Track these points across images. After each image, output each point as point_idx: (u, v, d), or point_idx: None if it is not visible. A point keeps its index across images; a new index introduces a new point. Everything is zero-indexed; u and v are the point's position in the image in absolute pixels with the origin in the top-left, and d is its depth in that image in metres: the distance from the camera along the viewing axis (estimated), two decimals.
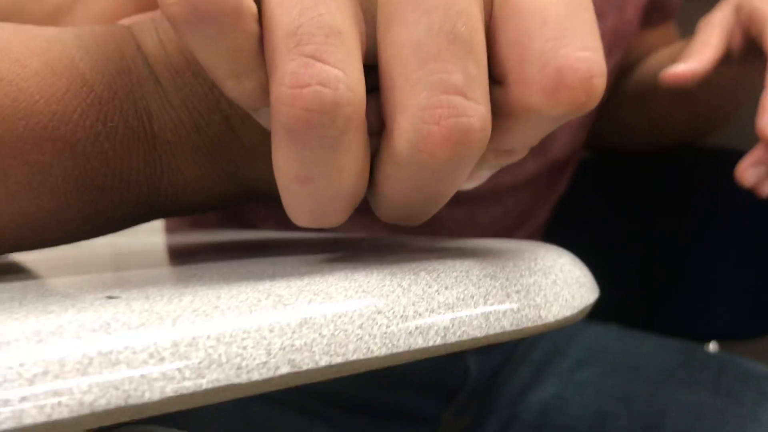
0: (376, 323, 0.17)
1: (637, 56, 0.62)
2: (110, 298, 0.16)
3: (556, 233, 0.58)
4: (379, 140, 0.19)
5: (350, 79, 0.16)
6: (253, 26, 0.16)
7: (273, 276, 0.19)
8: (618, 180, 0.69)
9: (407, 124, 0.17)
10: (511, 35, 0.17)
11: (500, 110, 0.18)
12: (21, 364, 0.13)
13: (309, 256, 0.23)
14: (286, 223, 0.49)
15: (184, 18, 0.16)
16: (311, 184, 0.18)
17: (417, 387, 0.52)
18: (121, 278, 0.21)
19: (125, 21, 0.23)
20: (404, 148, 0.17)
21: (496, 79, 0.18)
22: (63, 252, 0.31)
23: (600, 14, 0.53)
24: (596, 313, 0.50)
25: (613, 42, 0.55)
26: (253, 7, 0.16)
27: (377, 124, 0.18)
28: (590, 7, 0.18)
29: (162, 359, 0.14)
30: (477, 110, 0.17)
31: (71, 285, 0.19)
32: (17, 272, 0.24)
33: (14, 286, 0.19)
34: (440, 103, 0.17)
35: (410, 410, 0.52)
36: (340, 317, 0.17)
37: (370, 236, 0.34)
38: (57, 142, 0.19)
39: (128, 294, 0.17)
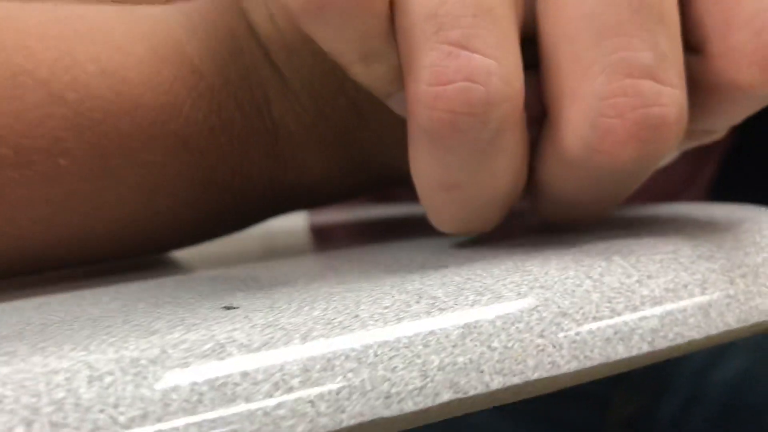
0: (562, 329, 0.13)
1: None
2: (228, 308, 0.13)
3: (724, 188, 0.51)
4: (539, 127, 0.15)
5: (505, 69, 0.13)
6: (383, 6, 0.13)
7: (423, 267, 0.15)
8: None
9: (580, 117, 0.13)
10: None
11: (698, 85, 0.14)
12: (115, 406, 0.10)
13: (463, 238, 0.19)
14: None
15: (302, 8, 0.13)
16: (458, 191, 0.14)
17: None
18: (250, 275, 0.18)
19: None
20: (575, 146, 0.13)
21: (690, 45, 0.14)
22: None
23: None
24: None
25: None
26: None
27: (537, 109, 0.14)
28: None
29: (290, 389, 0.11)
30: (672, 96, 0.13)
31: (191, 287, 0.17)
32: (151, 267, 0.22)
33: (131, 290, 0.17)
34: (623, 89, 0.13)
35: (574, 389, 0.47)
36: (513, 323, 0.13)
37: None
38: (168, 138, 0.17)
39: (251, 300, 0.14)
